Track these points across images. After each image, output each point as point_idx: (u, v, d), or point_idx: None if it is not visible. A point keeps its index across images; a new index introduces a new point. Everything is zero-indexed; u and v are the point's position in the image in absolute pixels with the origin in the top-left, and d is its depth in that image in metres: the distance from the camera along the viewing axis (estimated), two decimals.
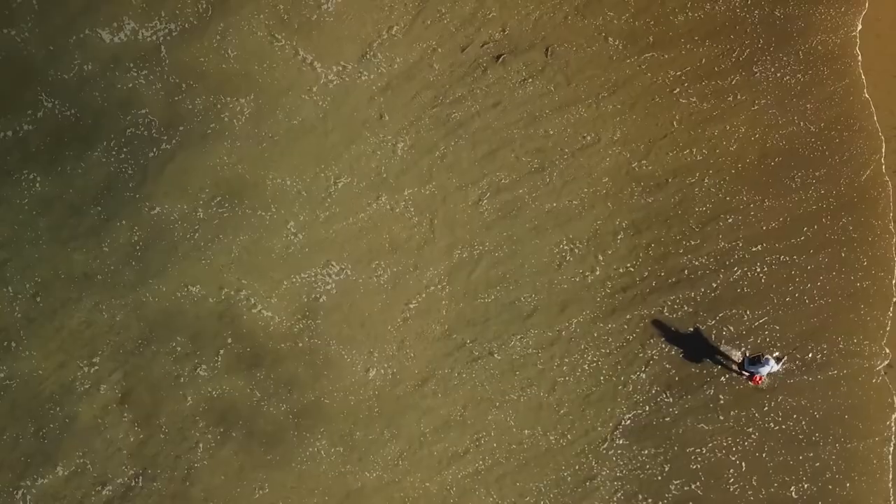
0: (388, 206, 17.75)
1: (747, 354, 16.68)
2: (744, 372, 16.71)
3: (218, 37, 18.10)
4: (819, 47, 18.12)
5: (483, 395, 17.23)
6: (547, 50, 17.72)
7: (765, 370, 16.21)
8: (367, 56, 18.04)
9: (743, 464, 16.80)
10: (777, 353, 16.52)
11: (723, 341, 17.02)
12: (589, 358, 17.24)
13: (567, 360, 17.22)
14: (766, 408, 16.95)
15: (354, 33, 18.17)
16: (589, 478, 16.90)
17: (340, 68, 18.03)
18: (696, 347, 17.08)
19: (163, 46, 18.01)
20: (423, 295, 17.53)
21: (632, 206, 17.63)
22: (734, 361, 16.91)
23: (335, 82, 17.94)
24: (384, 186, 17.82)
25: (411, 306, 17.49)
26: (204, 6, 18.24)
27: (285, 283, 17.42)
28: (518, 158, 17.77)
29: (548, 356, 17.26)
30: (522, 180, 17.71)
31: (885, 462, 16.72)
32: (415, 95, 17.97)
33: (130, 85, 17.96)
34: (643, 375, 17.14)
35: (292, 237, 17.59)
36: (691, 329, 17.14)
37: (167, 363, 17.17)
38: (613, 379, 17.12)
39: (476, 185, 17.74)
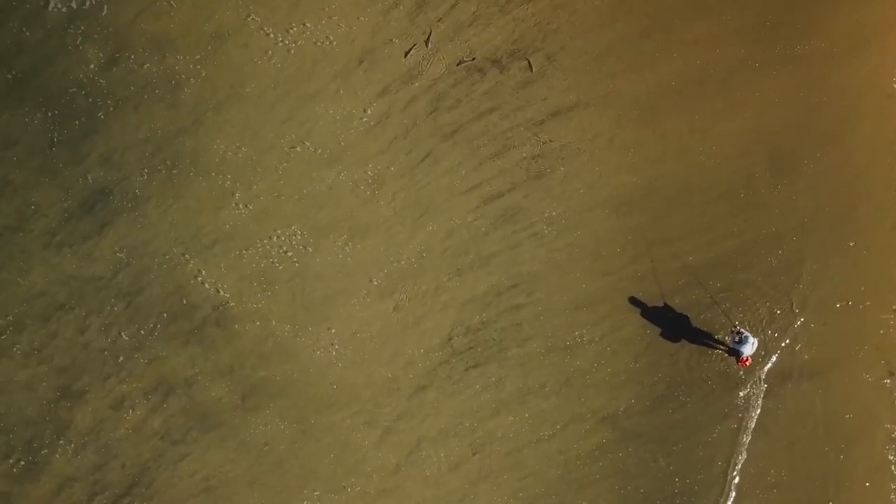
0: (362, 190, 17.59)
1: (734, 331, 16.66)
2: (732, 354, 16.92)
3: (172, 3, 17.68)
4: None
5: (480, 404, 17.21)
6: (530, 63, 17.56)
7: (747, 349, 16.36)
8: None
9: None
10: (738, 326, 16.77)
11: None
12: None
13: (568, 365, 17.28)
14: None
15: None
16: (586, 484, 16.99)
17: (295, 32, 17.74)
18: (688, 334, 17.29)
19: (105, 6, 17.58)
20: (421, 302, 17.43)
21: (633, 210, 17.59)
22: (724, 344, 17.06)
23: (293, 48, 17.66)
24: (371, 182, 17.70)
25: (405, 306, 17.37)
26: None
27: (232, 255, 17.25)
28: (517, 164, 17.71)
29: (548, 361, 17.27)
30: (520, 186, 17.62)
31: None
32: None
33: (70, 47, 17.53)
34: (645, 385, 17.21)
35: (242, 208, 17.37)
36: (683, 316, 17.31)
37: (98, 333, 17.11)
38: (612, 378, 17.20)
39: (472, 192, 17.63)
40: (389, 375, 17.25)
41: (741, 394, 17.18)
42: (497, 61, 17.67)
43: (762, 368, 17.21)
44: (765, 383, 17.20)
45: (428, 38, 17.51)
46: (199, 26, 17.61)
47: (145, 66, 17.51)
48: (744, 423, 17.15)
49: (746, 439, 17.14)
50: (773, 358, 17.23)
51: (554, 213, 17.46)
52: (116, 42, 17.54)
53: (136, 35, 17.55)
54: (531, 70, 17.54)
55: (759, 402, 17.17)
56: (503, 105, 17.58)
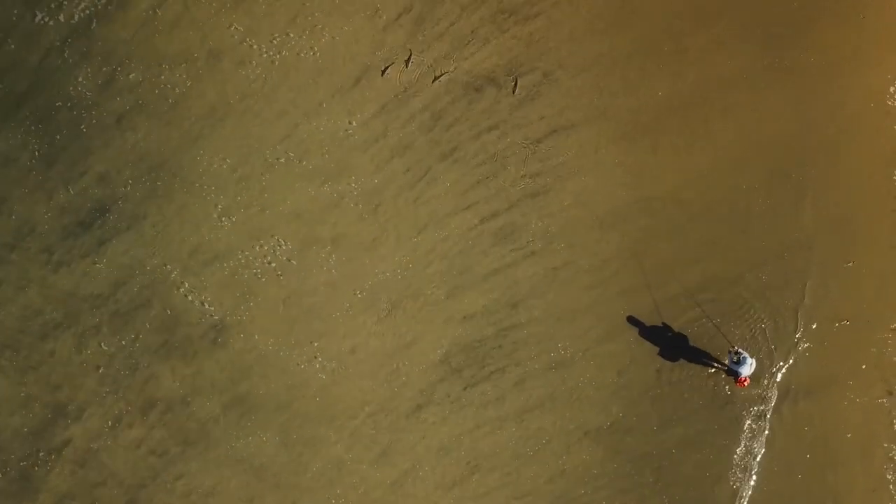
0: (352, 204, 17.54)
1: (732, 352, 16.68)
2: (731, 374, 16.91)
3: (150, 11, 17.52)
4: None
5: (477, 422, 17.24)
6: (515, 83, 17.53)
7: (745, 369, 16.37)
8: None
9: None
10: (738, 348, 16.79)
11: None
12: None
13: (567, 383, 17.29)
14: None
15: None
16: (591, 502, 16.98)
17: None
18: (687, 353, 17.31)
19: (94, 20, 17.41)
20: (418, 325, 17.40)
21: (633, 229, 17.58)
22: (722, 364, 17.07)
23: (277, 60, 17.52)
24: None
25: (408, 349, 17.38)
26: None
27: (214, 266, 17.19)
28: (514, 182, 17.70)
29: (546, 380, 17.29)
30: (517, 204, 17.60)
31: None
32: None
33: (59, 61, 17.39)
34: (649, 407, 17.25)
35: (225, 221, 17.31)
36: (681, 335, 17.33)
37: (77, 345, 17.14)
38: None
39: (469, 210, 17.61)
40: (386, 393, 17.23)
41: (748, 413, 17.27)
42: (494, 79, 17.63)
43: (764, 387, 17.23)
44: (766, 402, 17.18)
45: (408, 59, 17.45)
46: (186, 38, 17.49)
47: (131, 77, 17.43)
48: (751, 444, 17.24)
49: (754, 462, 17.27)
50: (772, 377, 17.19)
51: (551, 232, 17.43)
52: (105, 57, 17.45)
53: (123, 49, 17.45)
54: (513, 93, 17.51)
55: (766, 422, 17.19)
56: (501, 123, 17.55)
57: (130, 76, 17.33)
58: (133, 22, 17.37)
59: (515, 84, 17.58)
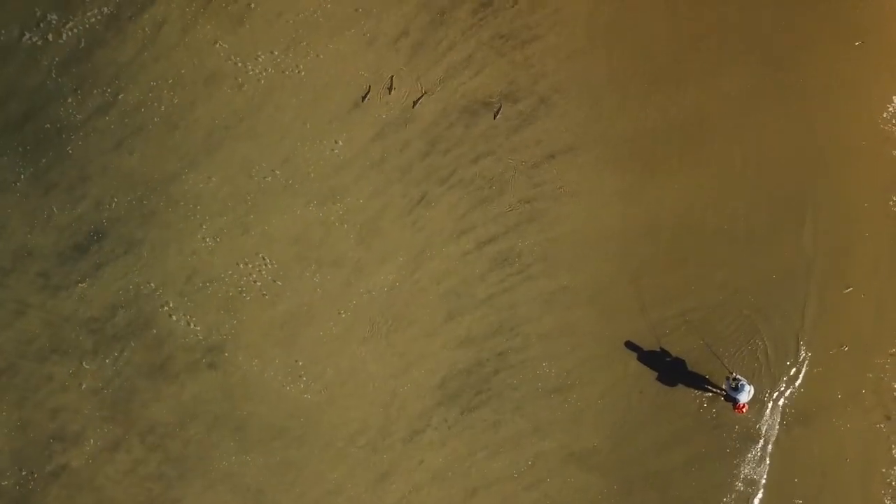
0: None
1: (730, 378, 16.66)
2: (729, 400, 16.84)
3: (147, 29, 17.46)
4: None
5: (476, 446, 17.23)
6: (497, 110, 17.50)
7: (743, 396, 16.32)
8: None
9: None
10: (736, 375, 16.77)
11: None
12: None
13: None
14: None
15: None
16: None
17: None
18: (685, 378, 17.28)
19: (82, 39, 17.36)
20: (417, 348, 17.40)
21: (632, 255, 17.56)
22: (721, 389, 17.03)
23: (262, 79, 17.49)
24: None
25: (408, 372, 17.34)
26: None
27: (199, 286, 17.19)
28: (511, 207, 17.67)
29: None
30: (515, 229, 17.57)
31: None
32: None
33: (55, 85, 17.37)
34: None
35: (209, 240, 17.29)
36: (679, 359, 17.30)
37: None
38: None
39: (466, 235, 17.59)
40: (383, 417, 17.23)
41: (746, 438, 17.28)
42: (491, 104, 17.60)
43: (762, 412, 17.21)
44: (765, 427, 17.18)
45: (391, 86, 17.42)
46: (184, 62, 17.46)
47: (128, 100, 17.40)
48: (749, 469, 17.24)
49: (751, 488, 17.28)
50: (771, 402, 17.17)
51: (548, 256, 17.40)
52: (101, 81, 17.41)
53: (120, 72, 17.43)
54: (494, 118, 17.49)
55: (764, 447, 17.18)
56: (497, 148, 17.52)
57: (128, 100, 17.34)
58: (131, 46, 17.39)
59: (498, 111, 17.56)
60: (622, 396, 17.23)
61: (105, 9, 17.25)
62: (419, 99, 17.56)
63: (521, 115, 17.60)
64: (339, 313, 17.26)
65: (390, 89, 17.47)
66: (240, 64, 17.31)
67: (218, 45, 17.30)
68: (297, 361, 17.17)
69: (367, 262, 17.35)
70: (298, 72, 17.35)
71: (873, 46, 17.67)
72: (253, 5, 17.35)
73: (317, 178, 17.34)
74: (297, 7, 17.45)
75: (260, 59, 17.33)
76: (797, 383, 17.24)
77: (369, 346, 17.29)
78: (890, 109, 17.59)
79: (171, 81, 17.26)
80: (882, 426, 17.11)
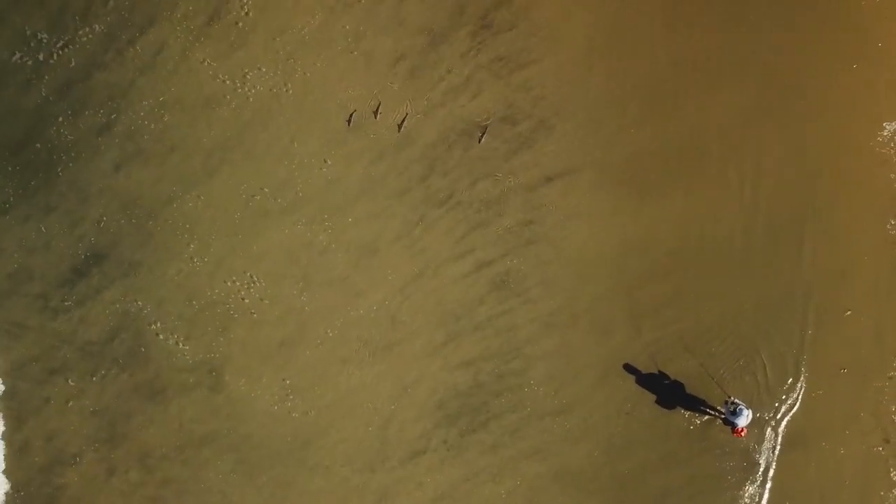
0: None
1: (729, 402, 16.66)
2: (728, 424, 16.81)
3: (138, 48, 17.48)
4: None
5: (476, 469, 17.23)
6: (482, 134, 17.52)
7: (742, 420, 16.31)
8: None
9: None
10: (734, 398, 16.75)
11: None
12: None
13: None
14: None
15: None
16: None
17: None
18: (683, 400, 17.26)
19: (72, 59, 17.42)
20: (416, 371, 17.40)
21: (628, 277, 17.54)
22: (720, 412, 16.99)
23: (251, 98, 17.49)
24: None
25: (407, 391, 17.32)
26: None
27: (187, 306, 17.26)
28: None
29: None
30: (513, 252, 17.58)
31: None
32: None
33: (54, 107, 17.43)
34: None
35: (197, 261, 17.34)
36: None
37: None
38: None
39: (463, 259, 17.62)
40: (381, 439, 17.22)
41: (745, 461, 17.26)
42: (488, 127, 17.61)
43: (761, 434, 17.20)
44: (764, 449, 17.16)
45: (377, 110, 17.43)
46: (184, 84, 17.50)
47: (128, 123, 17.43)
48: (748, 492, 17.26)
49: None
50: (769, 425, 17.16)
51: (547, 279, 17.40)
52: (101, 104, 17.44)
53: (119, 95, 17.45)
54: (479, 142, 17.49)
55: (763, 469, 17.18)
56: (496, 171, 17.54)
57: (128, 123, 17.40)
58: (130, 68, 17.44)
59: (482, 134, 17.58)
60: (620, 419, 17.22)
61: (97, 26, 17.30)
62: (417, 121, 17.59)
63: (519, 137, 17.61)
64: (327, 332, 17.31)
65: (377, 113, 17.47)
66: (228, 82, 17.35)
67: (206, 64, 17.35)
68: (284, 380, 17.21)
69: (364, 283, 17.38)
70: (287, 90, 17.38)
71: (869, 70, 17.68)
72: (240, 24, 17.38)
73: (313, 198, 17.42)
74: (291, 26, 17.47)
75: (248, 78, 17.37)
76: (796, 406, 17.21)
77: (366, 368, 17.30)
78: (885, 133, 17.59)
79: (161, 100, 17.30)
80: (881, 449, 17.09)
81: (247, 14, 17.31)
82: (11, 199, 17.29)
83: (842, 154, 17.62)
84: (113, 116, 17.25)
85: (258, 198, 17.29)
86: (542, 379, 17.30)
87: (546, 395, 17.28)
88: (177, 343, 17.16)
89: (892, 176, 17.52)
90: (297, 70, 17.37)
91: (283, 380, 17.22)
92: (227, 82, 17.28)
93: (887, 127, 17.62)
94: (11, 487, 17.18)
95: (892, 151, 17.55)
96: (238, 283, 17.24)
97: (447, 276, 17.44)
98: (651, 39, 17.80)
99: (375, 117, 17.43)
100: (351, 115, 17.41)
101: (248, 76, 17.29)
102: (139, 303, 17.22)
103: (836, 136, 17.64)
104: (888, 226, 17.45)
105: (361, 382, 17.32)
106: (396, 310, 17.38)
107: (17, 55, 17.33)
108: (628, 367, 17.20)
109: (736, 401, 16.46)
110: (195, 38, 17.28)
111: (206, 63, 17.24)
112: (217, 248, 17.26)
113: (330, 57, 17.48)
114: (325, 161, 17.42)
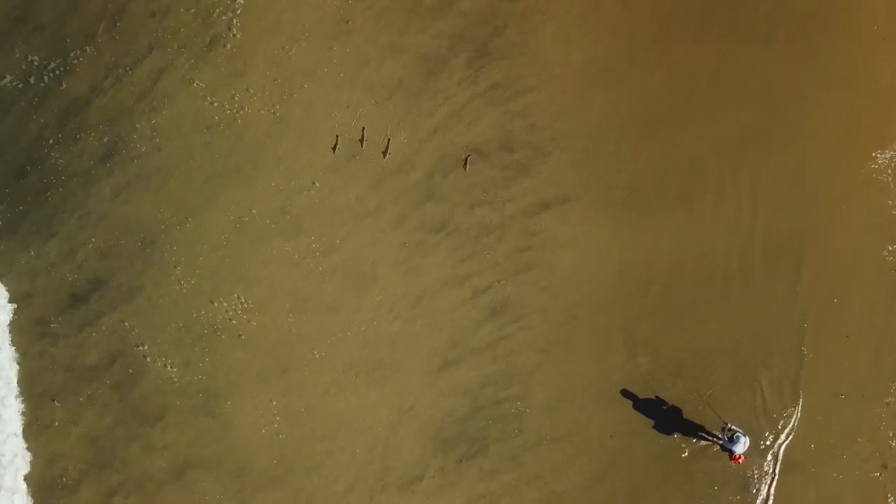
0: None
1: (725, 429, 16.60)
2: (725, 450, 16.76)
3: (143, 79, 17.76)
4: None
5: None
6: (465, 161, 17.58)
7: (739, 447, 16.30)
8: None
9: None
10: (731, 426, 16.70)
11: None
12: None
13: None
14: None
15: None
16: None
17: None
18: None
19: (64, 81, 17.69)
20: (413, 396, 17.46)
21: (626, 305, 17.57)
22: (718, 438, 16.97)
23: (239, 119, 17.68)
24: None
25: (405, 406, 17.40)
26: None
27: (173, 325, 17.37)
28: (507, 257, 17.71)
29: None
30: (510, 278, 17.63)
31: None
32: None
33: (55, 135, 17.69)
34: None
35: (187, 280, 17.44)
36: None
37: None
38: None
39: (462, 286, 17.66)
40: (379, 466, 17.23)
41: (742, 487, 17.19)
42: (487, 155, 17.68)
43: (759, 461, 17.18)
44: (761, 476, 17.14)
45: (362, 138, 17.54)
46: (184, 110, 17.70)
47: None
48: None
49: None
50: (768, 451, 17.15)
51: (544, 305, 17.44)
52: (101, 131, 17.70)
53: (119, 122, 17.69)
54: (464, 168, 17.59)
55: (761, 496, 17.15)
56: (494, 198, 17.61)
57: (129, 145, 17.55)
58: (130, 96, 17.59)
59: (466, 161, 17.63)
60: (618, 444, 17.20)
61: (88, 48, 17.62)
62: (415, 147, 17.69)
63: (516, 164, 17.69)
64: (314, 353, 17.37)
65: (363, 141, 17.59)
66: (216, 104, 17.55)
67: (195, 85, 17.54)
68: (271, 400, 17.26)
69: (358, 307, 17.46)
70: (275, 113, 17.58)
71: (864, 97, 17.74)
72: (228, 45, 17.66)
73: (305, 222, 17.54)
74: (285, 55, 17.69)
75: (236, 99, 17.58)
76: (794, 432, 17.18)
77: (362, 393, 17.33)
78: (882, 159, 17.61)
79: (153, 122, 17.51)
80: (879, 475, 17.05)
81: (234, 35, 17.65)
82: (11, 224, 17.48)
83: (839, 179, 17.65)
84: (105, 139, 17.49)
85: (246, 219, 17.44)
86: (539, 404, 17.32)
87: (544, 421, 17.28)
88: (165, 365, 17.26)
89: (890, 202, 17.53)
90: (291, 94, 17.60)
91: (271, 401, 17.29)
92: (216, 104, 17.58)
93: (880, 156, 17.68)
94: None
95: (890, 178, 17.56)
96: (225, 304, 17.35)
97: (445, 302, 17.51)
98: (647, 65, 17.89)
99: (363, 144, 17.57)
100: (337, 140, 17.57)
101: (236, 97, 17.57)
102: (126, 324, 17.35)
103: (832, 162, 17.68)
104: (885, 251, 17.46)
105: (358, 408, 17.35)
106: (395, 335, 17.45)
107: (17, 81, 17.54)
108: (625, 393, 17.23)
109: (733, 427, 16.46)
110: (193, 64, 17.57)
111: (196, 85, 17.56)
112: (202, 269, 17.39)
113: (327, 82, 17.63)
114: (314, 183, 17.57)
